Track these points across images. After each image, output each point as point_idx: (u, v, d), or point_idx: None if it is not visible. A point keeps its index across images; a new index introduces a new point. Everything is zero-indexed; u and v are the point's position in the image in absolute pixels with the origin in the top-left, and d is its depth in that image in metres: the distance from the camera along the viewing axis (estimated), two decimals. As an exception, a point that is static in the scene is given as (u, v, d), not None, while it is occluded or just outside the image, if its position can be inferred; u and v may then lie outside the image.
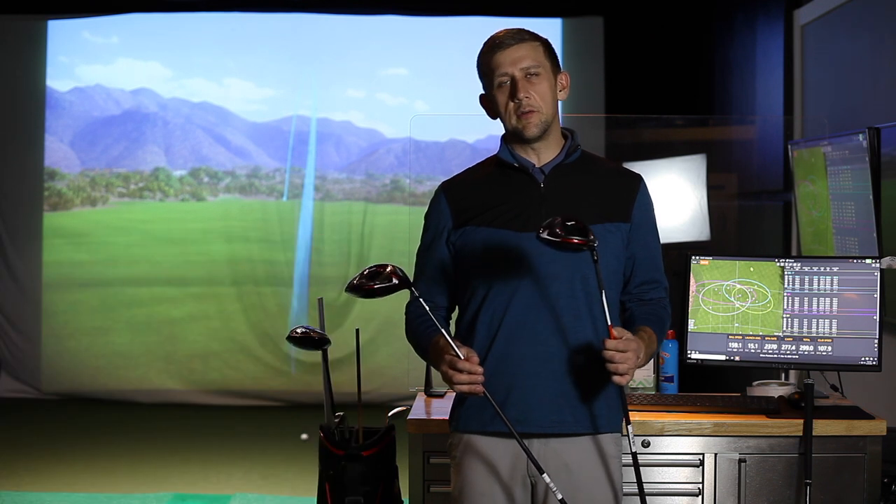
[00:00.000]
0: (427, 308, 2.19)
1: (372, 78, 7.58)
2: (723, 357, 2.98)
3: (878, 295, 2.88)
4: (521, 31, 2.33)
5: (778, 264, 2.97)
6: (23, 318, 7.50)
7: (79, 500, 4.96)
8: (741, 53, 5.95)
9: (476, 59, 2.38)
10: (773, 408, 2.98)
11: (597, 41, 7.31)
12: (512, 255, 2.27)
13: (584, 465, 2.29)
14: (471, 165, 2.48)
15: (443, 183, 2.46)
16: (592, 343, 2.25)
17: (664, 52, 6.95)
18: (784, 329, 2.93)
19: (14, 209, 7.50)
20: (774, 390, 3.16)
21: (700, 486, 2.92)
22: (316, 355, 3.25)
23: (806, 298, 2.93)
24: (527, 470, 2.31)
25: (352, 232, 7.51)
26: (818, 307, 2.92)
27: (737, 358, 2.97)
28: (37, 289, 7.50)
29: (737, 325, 2.96)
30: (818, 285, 2.93)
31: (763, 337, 2.95)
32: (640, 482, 2.21)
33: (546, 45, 2.35)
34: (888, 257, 3.08)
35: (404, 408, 3.10)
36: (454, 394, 2.40)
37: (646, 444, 2.92)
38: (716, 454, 2.92)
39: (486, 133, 7.18)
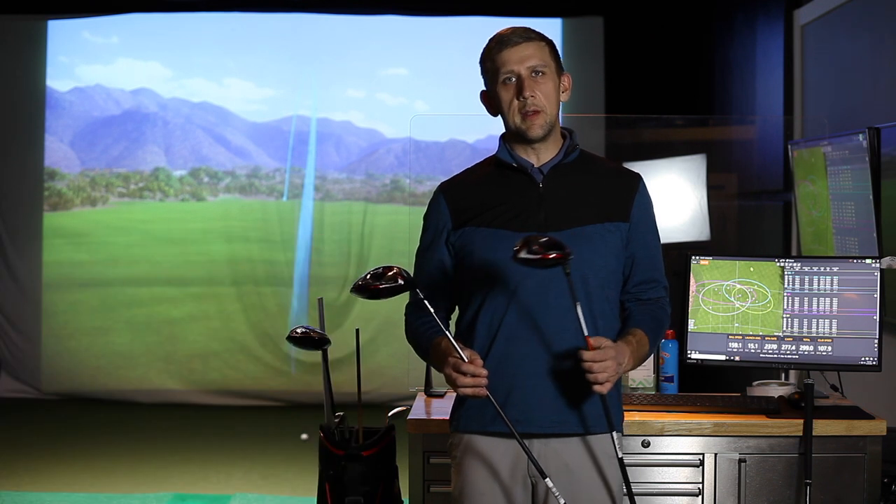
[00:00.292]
0: (432, 310, 2.19)
1: (372, 78, 7.58)
2: (723, 357, 2.98)
3: (878, 295, 2.88)
4: (528, 29, 2.33)
5: (778, 264, 2.97)
6: (23, 318, 7.50)
7: (79, 500, 4.96)
8: (741, 53, 5.95)
9: (480, 55, 2.37)
10: (773, 408, 2.98)
11: (597, 41, 7.31)
12: (511, 256, 2.26)
13: (585, 465, 2.29)
14: (469, 166, 2.47)
15: (441, 184, 2.46)
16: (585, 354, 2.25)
17: (664, 52, 6.95)
18: (784, 329, 2.93)
19: (14, 209, 7.50)
20: (774, 390, 3.16)
21: (700, 486, 2.92)
22: (316, 355, 3.25)
23: (806, 298, 2.93)
24: (527, 470, 2.30)
25: (352, 232, 7.51)
26: (818, 307, 2.92)
27: (737, 358, 2.97)
28: (37, 289, 7.50)
29: (737, 325, 2.96)
30: (818, 285, 2.93)
31: (763, 337, 2.95)
32: (628, 485, 2.22)
33: (551, 45, 2.35)
34: (888, 257, 3.08)
35: (404, 408, 3.10)
36: (454, 394, 2.40)
37: (646, 444, 2.92)
38: (716, 454, 2.92)
39: (486, 133, 7.18)
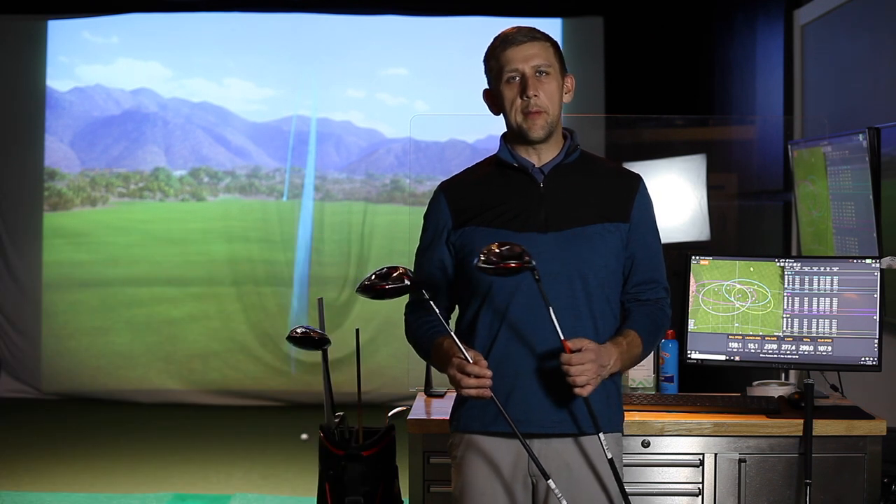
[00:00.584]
0: (437, 310, 2.19)
1: (372, 78, 7.58)
2: (723, 357, 2.98)
3: (878, 295, 2.88)
4: (533, 29, 2.34)
5: (778, 264, 2.97)
6: (23, 318, 7.50)
7: (79, 500, 4.96)
8: (741, 53, 5.95)
9: (484, 52, 2.37)
10: (773, 408, 2.98)
11: (597, 41, 7.31)
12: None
13: (586, 466, 2.29)
14: (470, 165, 2.47)
15: (442, 183, 2.46)
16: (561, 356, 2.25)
17: (664, 52, 6.95)
18: (784, 329, 2.93)
19: (14, 209, 7.50)
20: (774, 390, 3.16)
21: (700, 486, 2.92)
22: (316, 355, 3.25)
23: (806, 298, 2.93)
24: (528, 469, 2.31)
25: (352, 232, 7.51)
26: (818, 307, 2.92)
27: (737, 358, 2.97)
28: (37, 289, 7.50)
29: (737, 325, 2.96)
30: (818, 285, 2.93)
31: (763, 337, 2.95)
32: (621, 486, 2.22)
33: (556, 46, 2.35)
34: (888, 257, 3.08)
35: (404, 408, 3.10)
36: (454, 394, 2.40)
37: (646, 444, 2.92)
38: (716, 454, 2.92)
39: (486, 133, 7.18)
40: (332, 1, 7.41)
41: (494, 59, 2.33)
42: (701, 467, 2.92)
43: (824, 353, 2.91)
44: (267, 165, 7.68)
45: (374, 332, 7.00)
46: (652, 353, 2.96)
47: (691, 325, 3.00)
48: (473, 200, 2.35)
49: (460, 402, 2.37)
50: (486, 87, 2.40)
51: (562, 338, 2.14)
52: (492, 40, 2.36)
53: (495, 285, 2.29)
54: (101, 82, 7.66)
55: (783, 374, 3.32)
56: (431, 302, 2.20)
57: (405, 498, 3.03)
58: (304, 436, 5.80)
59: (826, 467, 2.90)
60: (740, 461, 2.90)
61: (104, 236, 7.62)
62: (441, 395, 3.27)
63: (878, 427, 2.89)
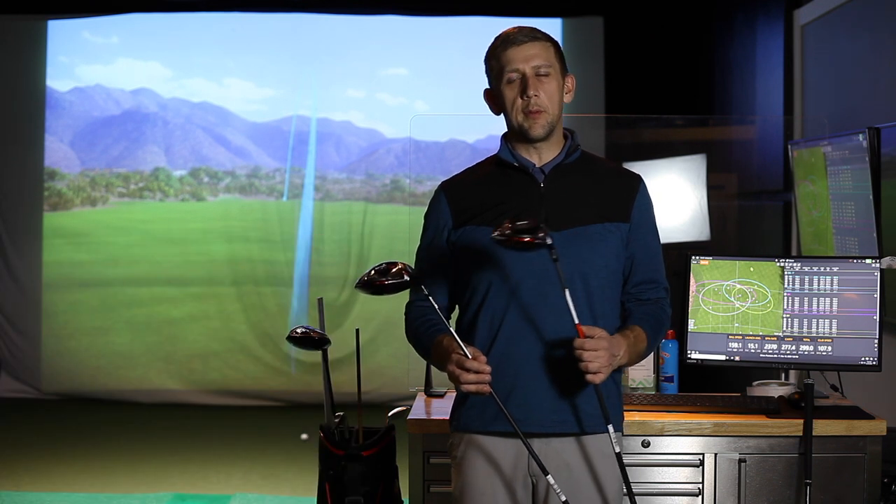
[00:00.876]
0: (436, 307, 2.19)
1: (372, 78, 7.58)
2: (723, 357, 2.98)
3: (878, 295, 2.88)
4: (534, 29, 2.34)
5: (778, 264, 2.97)
6: (23, 318, 7.50)
7: (79, 500, 4.96)
8: (741, 53, 5.95)
9: (485, 53, 2.37)
10: (773, 408, 2.98)
11: (597, 41, 7.31)
12: (512, 255, 2.27)
13: (586, 465, 2.29)
14: (471, 165, 2.48)
15: (443, 182, 2.46)
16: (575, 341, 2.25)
17: (664, 52, 6.95)
18: (784, 329, 2.93)
19: (14, 209, 7.50)
20: (774, 390, 3.16)
21: (700, 486, 2.92)
22: (316, 355, 3.25)
23: (806, 298, 2.93)
24: (528, 469, 2.31)
25: (352, 232, 7.51)
26: (818, 307, 2.92)
27: (737, 358, 2.97)
28: (37, 289, 7.50)
29: (737, 325, 2.96)
30: (818, 285, 2.93)
31: (763, 337, 2.95)
32: (627, 483, 2.22)
33: (556, 46, 2.35)
34: (888, 257, 3.08)
35: (404, 408, 3.10)
36: (454, 393, 2.40)
37: (646, 444, 2.92)
38: (716, 454, 2.92)
39: (486, 133, 7.18)
40: (332, 1, 7.41)
41: (495, 60, 2.33)
42: (701, 467, 2.92)
43: (824, 353, 2.91)
44: (267, 165, 7.68)
45: (374, 332, 7.00)
46: (652, 352, 2.96)
47: (691, 325, 3.00)
48: (474, 200, 2.35)
49: (460, 401, 2.38)
50: (487, 87, 2.40)
51: (576, 321, 2.14)
52: (493, 40, 2.36)
53: (495, 285, 2.30)
54: (101, 82, 7.66)
55: (783, 374, 3.32)
56: (431, 298, 2.20)
57: (405, 498, 3.03)
58: (304, 436, 5.80)
59: (826, 467, 2.90)
60: (740, 461, 2.90)
61: (104, 236, 7.62)
62: (441, 395, 3.27)
63: (878, 427, 2.89)
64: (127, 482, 5.30)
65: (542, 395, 2.27)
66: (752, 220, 5.64)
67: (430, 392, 3.30)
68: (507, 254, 2.27)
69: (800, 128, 4.99)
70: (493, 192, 2.35)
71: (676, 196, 4.79)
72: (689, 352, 3.00)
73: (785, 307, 2.94)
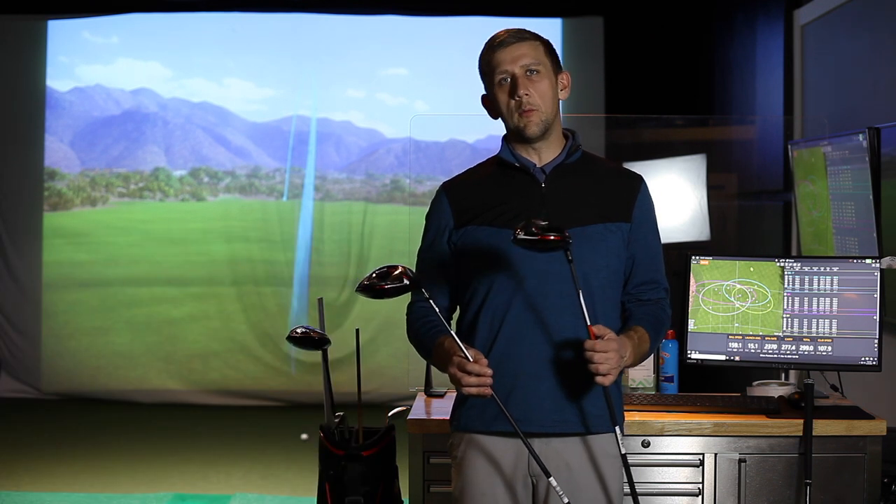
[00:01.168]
0: (437, 309, 2.19)
1: (372, 78, 7.58)
2: (723, 357, 2.98)
3: (878, 295, 2.88)
4: (521, 30, 2.34)
5: (778, 264, 2.97)
6: (23, 318, 7.50)
7: (79, 500, 4.96)
8: (741, 53, 5.95)
9: (477, 59, 2.38)
10: (773, 408, 2.98)
11: (597, 41, 7.31)
12: (513, 255, 2.27)
13: (586, 465, 2.29)
14: (472, 165, 2.48)
15: (444, 183, 2.46)
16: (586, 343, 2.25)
17: (664, 52, 6.95)
18: (784, 329, 2.93)
19: (14, 209, 7.50)
20: (774, 390, 3.16)
21: (700, 486, 2.92)
22: (316, 355, 3.25)
23: (806, 298, 2.93)
24: (528, 469, 2.31)
25: (352, 232, 7.51)
26: (818, 307, 2.92)
27: (737, 358, 2.97)
28: (37, 289, 7.50)
29: (737, 325, 2.96)
30: (818, 285, 2.93)
31: (763, 337, 2.95)
32: (631, 484, 2.22)
33: (546, 44, 2.35)
34: (888, 257, 3.08)
35: (404, 408, 3.10)
36: (454, 393, 2.40)
37: (646, 444, 2.92)
38: (716, 454, 2.92)
39: (486, 133, 7.18)
40: (332, 1, 7.41)
41: (485, 64, 2.34)
42: (701, 467, 2.92)
43: (824, 353, 2.91)
44: (267, 165, 7.68)
45: (374, 332, 7.00)
46: (652, 353, 2.96)
47: (691, 325, 3.00)
48: (475, 200, 2.36)
49: (461, 401, 2.38)
50: (484, 93, 2.41)
51: (588, 323, 2.14)
52: (483, 45, 2.36)
53: (496, 285, 2.30)
54: (101, 82, 7.66)
55: (783, 374, 3.32)
56: (431, 301, 2.20)
57: (405, 498, 3.03)
58: (304, 436, 5.80)
59: (826, 467, 2.90)
60: (740, 461, 2.90)
61: (104, 236, 7.62)
62: (441, 395, 3.27)
63: (878, 427, 2.89)
64: (127, 482, 5.30)
65: (543, 395, 2.27)
66: (752, 220, 5.64)
67: (430, 392, 3.30)
68: (508, 254, 2.27)
69: (800, 128, 4.99)
70: (494, 192, 2.35)
71: (676, 196, 4.79)
72: (689, 352, 3.00)
73: (785, 307, 2.94)
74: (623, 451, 2.21)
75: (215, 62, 7.60)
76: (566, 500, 2.17)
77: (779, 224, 5.23)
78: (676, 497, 2.93)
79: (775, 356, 2.94)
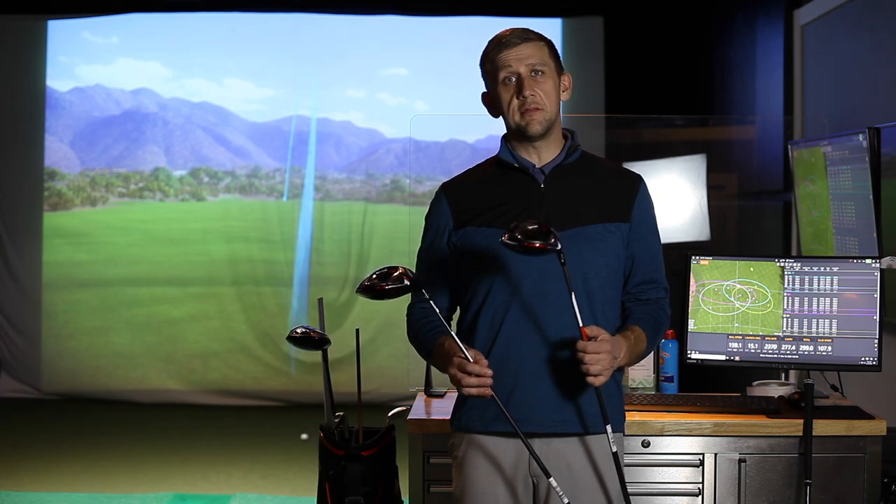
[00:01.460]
0: (437, 310, 2.19)
1: (372, 78, 7.58)
2: (723, 357, 2.98)
3: (878, 295, 2.88)
4: (526, 30, 2.34)
5: (778, 264, 2.97)
6: (23, 318, 7.50)
7: (79, 500, 4.96)
8: (741, 53, 5.95)
9: (480, 57, 2.38)
10: (773, 408, 2.98)
11: (597, 41, 7.32)
12: (512, 256, 2.27)
13: (586, 465, 2.29)
14: (471, 166, 2.48)
15: (443, 183, 2.46)
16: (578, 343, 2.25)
17: (664, 52, 6.95)
18: (784, 329, 2.93)
19: (14, 209, 7.50)
20: (774, 390, 3.16)
21: (700, 486, 2.92)
22: (316, 355, 3.25)
23: (806, 298, 2.93)
24: (529, 469, 2.31)
25: (352, 232, 7.51)
26: (818, 307, 2.92)
27: (737, 358, 2.97)
28: (37, 289, 7.50)
29: (737, 325, 2.96)
30: (818, 285, 2.93)
31: (763, 337, 2.95)
32: (622, 482, 2.23)
33: (550, 45, 2.35)
34: (888, 257, 3.08)
35: (404, 408, 3.10)
36: (454, 393, 2.40)
37: (646, 444, 2.92)
38: (716, 454, 2.92)
39: (486, 133, 7.18)
40: (332, 1, 7.41)
41: (489, 63, 2.34)
42: (701, 467, 2.92)
43: (824, 353, 2.91)
44: (267, 165, 7.68)
45: (374, 332, 7.00)
46: (652, 352, 2.96)
47: (691, 325, 3.00)
48: (475, 201, 2.36)
49: (461, 401, 2.38)
50: (484, 91, 2.41)
51: (581, 324, 2.14)
52: (486, 44, 2.36)
53: (496, 286, 2.30)
54: (101, 82, 7.66)
55: (783, 374, 3.32)
56: (431, 302, 2.20)
57: (405, 498, 3.03)
58: (304, 436, 5.80)
59: (826, 467, 2.90)
60: (740, 461, 2.90)
61: (104, 236, 7.62)
62: (441, 395, 3.27)
63: (878, 427, 2.89)
64: (127, 482, 5.30)
65: (543, 396, 2.27)
66: (752, 220, 5.64)
67: (430, 392, 3.30)
68: (508, 255, 2.27)
69: (800, 128, 4.99)
70: (493, 192, 2.35)
71: (676, 196, 4.79)
72: (689, 352, 3.00)
73: (785, 307, 2.94)
74: (614, 450, 2.21)
75: (215, 62, 7.60)
76: (566, 501, 2.17)
77: (779, 224, 5.23)
78: (676, 497, 2.93)
79: (775, 356, 2.94)
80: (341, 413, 3.04)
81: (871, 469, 2.90)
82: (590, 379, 2.14)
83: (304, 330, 2.90)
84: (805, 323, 2.92)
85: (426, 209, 2.46)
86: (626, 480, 2.40)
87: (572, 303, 2.14)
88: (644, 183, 2.42)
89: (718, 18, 6.42)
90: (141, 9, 7.42)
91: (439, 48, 7.46)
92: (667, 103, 6.60)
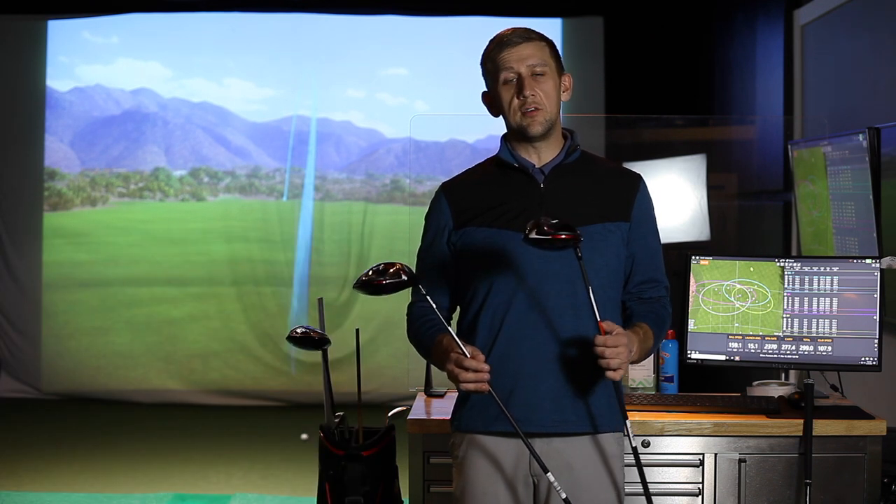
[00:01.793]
0: (434, 306, 2.20)
1: (372, 78, 7.58)
2: (723, 357, 2.98)
3: (878, 295, 2.88)
4: (528, 30, 2.34)
5: (778, 264, 2.97)
6: (23, 318, 7.50)
7: (79, 500, 4.96)
8: (741, 53, 5.95)
9: (481, 56, 2.38)
10: (773, 408, 2.98)
11: (597, 41, 7.32)
12: (512, 256, 2.27)
13: (587, 465, 2.29)
14: (471, 166, 2.48)
15: (443, 183, 2.46)
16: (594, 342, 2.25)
17: (664, 52, 6.95)
18: (784, 329, 2.93)
19: (14, 209, 7.50)
20: (774, 390, 3.16)
21: (700, 486, 2.92)
22: (316, 355, 3.25)
23: (806, 298, 2.93)
24: (529, 469, 2.31)
25: (352, 232, 7.51)
26: (818, 307, 2.92)
27: (737, 358, 2.97)
28: (37, 289, 7.50)
29: (737, 325, 2.96)
30: (818, 285, 2.93)
31: (763, 337, 2.95)
32: (643, 479, 2.22)
33: (552, 45, 2.35)
34: (888, 257, 3.08)
35: (404, 408, 3.10)
36: (455, 393, 2.40)
37: (646, 444, 2.92)
38: (716, 454, 2.92)
39: (486, 133, 7.18)
40: (332, 1, 7.41)
41: (490, 62, 2.34)
42: (701, 467, 2.92)
43: (824, 353, 2.91)
44: (267, 165, 7.68)
45: (374, 332, 7.00)
46: (655, 349, 2.96)
47: (691, 325, 3.00)
48: (474, 201, 2.36)
49: (462, 402, 2.38)
50: (485, 90, 2.41)
51: (598, 319, 2.14)
52: (487, 43, 2.36)
53: (495, 286, 2.30)
54: (101, 82, 7.66)
55: (783, 374, 3.32)
56: (429, 297, 2.20)
57: (405, 498, 3.03)
58: (304, 436, 5.80)
59: (826, 467, 2.90)
60: (740, 461, 2.90)
61: (104, 236, 7.62)
62: (441, 395, 3.27)
63: (878, 427, 2.89)
64: (127, 482, 5.30)
65: (544, 395, 2.27)
66: (752, 220, 5.64)
67: (430, 392, 3.30)
68: (508, 255, 2.27)
69: (800, 128, 4.99)
70: (493, 192, 2.35)
71: (676, 196, 4.79)
72: (689, 352, 3.00)
73: (785, 307, 2.94)
74: (634, 445, 2.21)
75: (215, 62, 7.60)
76: (564, 496, 2.17)
77: (779, 224, 5.23)
78: (676, 497, 2.93)
79: (775, 356, 2.94)
80: (341, 413, 3.04)
81: (871, 469, 2.90)
82: (609, 374, 2.14)
83: (304, 330, 2.90)
84: (805, 323, 2.92)
85: (426, 209, 2.46)
86: (627, 480, 2.40)
87: (590, 298, 2.14)
88: (644, 182, 2.42)
89: (718, 18, 6.42)
90: (141, 9, 7.42)
91: (439, 48, 7.46)
92: (667, 103, 6.60)
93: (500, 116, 2.38)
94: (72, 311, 7.51)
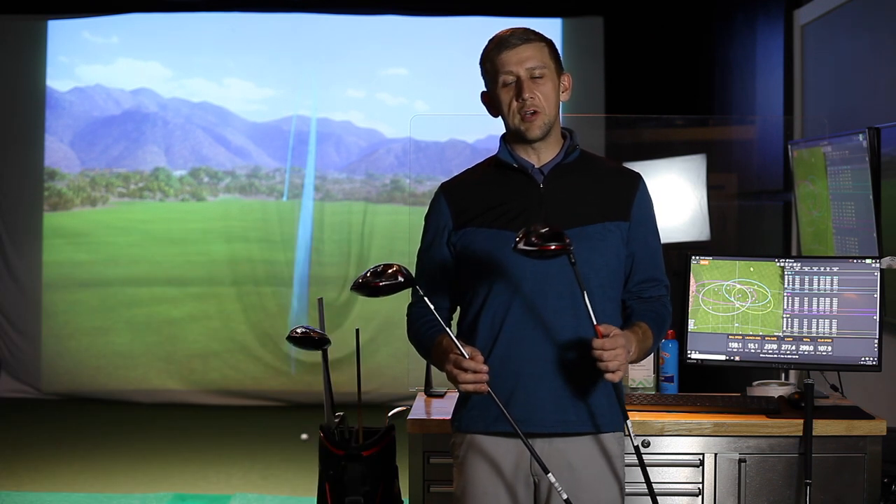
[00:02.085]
0: (432, 307, 2.19)
1: (372, 78, 7.58)
2: (723, 357, 2.98)
3: (878, 295, 2.88)
4: (527, 30, 2.34)
5: (778, 264, 2.97)
6: (23, 318, 7.50)
7: (79, 500, 4.96)
8: (741, 53, 5.95)
9: (480, 56, 2.38)
10: (773, 408, 2.98)
11: (597, 41, 7.32)
12: (512, 257, 2.26)
13: (588, 465, 2.29)
14: (470, 166, 2.48)
15: (443, 184, 2.46)
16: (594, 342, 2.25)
17: (664, 52, 6.95)
18: (784, 329, 2.93)
19: (14, 209, 7.50)
20: (774, 390, 3.16)
21: (700, 486, 2.92)
22: (316, 355, 3.25)
23: (806, 298, 2.93)
24: (530, 469, 2.31)
25: (352, 232, 7.51)
26: (818, 307, 2.92)
27: (737, 358, 2.97)
28: (37, 289, 7.50)
29: (737, 325, 2.96)
30: (818, 285, 2.93)
31: (763, 337, 2.95)
32: (647, 478, 2.22)
33: (551, 46, 2.35)
34: (888, 257, 3.07)
35: (404, 408, 3.10)
36: (456, 394, 2.40)
37: (646, 444, 2.92)
38: (716, 454, 2.92)
39: (486, 133, 7.18)
40: (332, 1, 7.41)
41: (489, 63, 2.34)
42: (701, 467, 2.92)
43: (824, 353, 2.91)
44: (267, 165, 7.68)
45: (374, 332, 7.00)
46: (655, 348, 2.96)
47: (691, 325, 3.00)
48: (474, 201, 2.36)
49: (462, 402, 2.38)
50: (484, 90, 2.41)
51: (594, 322, 2.14)
52: (486, 43, 2.36)
53: (495, 287, 2.30)
54: (101, 82, 7.66)
55: (783, 374, 3.32)
56: (427, 299, 2.20)
57: (405, 498, 3.03)
58: (304, 436, 5.79)
59: (826, 467, 2.90)
60: (740, 461, 2.90)
61: (104, 236, 7.62)
62: (441, 395, 3.27)
63: (878, 427, 2.89)
64: (127, 482, 5.30)
65: (544, 396, 2.27)
66: (752, 220, 5.64)
67: (430, 392, 3.30)
68: (508, 256, 2.27)
69: (800, 128, 4.99)
70: (493, 192, 2.35)
71: (676, 196, 4.79)
72: (689, 352, 3.00)
73: (785, 307, 2.94)
74: (636, 444, 2.21)
75: (215, 62, 7.60)
76: (565, 497, 2.17)
77: (779, 224, 5.23)
78: (676, 497, 2.93)
79: (775, 356, 2.94)
80: (341, 413, 3.04)
81: (871, 469, 2.90)
82: (608, 376, 2.14)
83: (304, 330, 2.90)
84: (805, 323, 2.92)
85: (426, 209, 2.46)
86: (627, 480, 2.40)
87: (584, 302, 2.13)
88: (643, 181, 2.42)
89: (718, 18, 6.42)
90: (141, 9, 7.42)
91: (439, 48, 7.46)
92: (667, 103, 6.60)
93: (500, 117, 2.38)
94: (72, 311, 7.51)
